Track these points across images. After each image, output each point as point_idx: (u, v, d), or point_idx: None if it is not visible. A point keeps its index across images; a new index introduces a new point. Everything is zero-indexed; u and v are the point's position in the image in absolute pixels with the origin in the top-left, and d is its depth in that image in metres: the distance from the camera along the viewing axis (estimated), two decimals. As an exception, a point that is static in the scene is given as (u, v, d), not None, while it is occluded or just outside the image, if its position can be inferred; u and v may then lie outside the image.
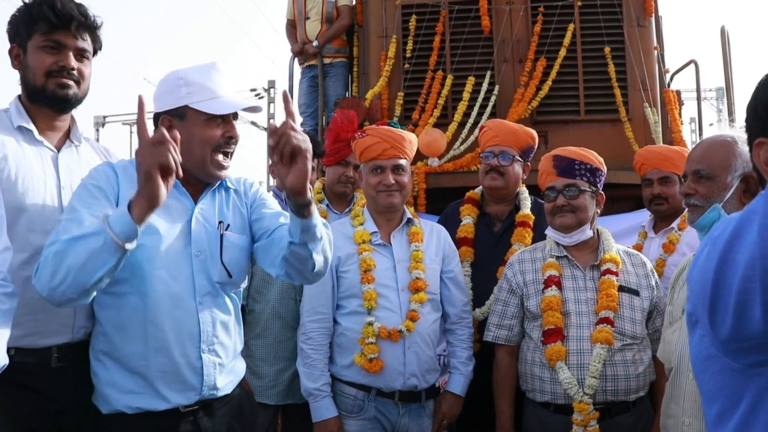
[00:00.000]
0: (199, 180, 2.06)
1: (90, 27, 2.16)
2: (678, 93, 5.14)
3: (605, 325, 2.47)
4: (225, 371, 2.04)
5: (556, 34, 4.88)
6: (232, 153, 2.07)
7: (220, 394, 2.03)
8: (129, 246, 1.69)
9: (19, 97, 2.16)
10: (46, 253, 1.72)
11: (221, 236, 2.04)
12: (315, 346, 2.59)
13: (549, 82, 4.76)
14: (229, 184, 2.14)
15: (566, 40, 4.83)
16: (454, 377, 2.75)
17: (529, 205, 3.06)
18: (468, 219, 3.07)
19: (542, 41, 4.87)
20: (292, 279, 2.04)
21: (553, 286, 2.59)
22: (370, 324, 2.54)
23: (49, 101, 2.11)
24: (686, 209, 2.08)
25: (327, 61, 5.66)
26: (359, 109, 4.70)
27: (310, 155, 1.78)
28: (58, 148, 2.16)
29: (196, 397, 1.97)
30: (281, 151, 1.74)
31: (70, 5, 2.09)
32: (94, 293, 1.78)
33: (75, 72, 2.11)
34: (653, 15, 5.06)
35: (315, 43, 5.61)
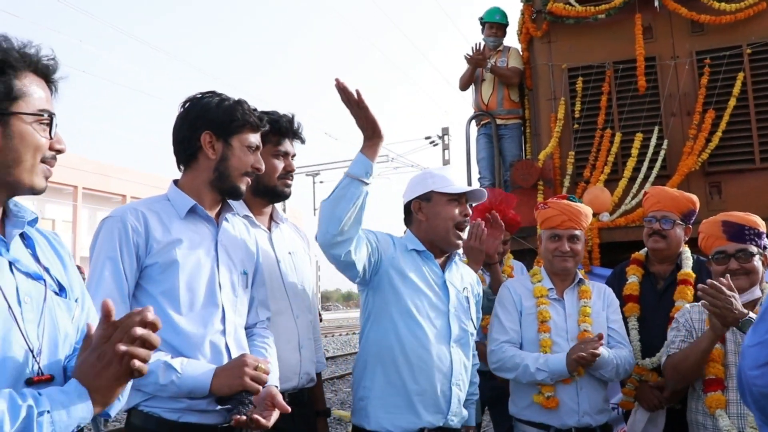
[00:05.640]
0: (443, 251, 2.73)
1: (301, 138, 2.79)
2: None
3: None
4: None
5: (724, 84, 5.02)
6: (465, 230, 2.75)
7: None
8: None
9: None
10: None
11: (467, 298, 2.76)
12: (512, 351, 3.00)
13: (719, 133, 4.91)
14: (457, 259, 2.83)
15: (736, 89, 4.96)
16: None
17: (691, 264, 3.33)
18: (633, 278, 3.42)
19: (710, 92, 5.04)
20: None
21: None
22: None
23: (274, 196, 2.71)
24: None
25: (500, 122, 6.17)
26: (533, 169, 5.17)
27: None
28: (269, 228, 2.74)
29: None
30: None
31: (293, 122, 2.71)
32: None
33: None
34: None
35: (489, 65, 6.10)
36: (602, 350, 2.87)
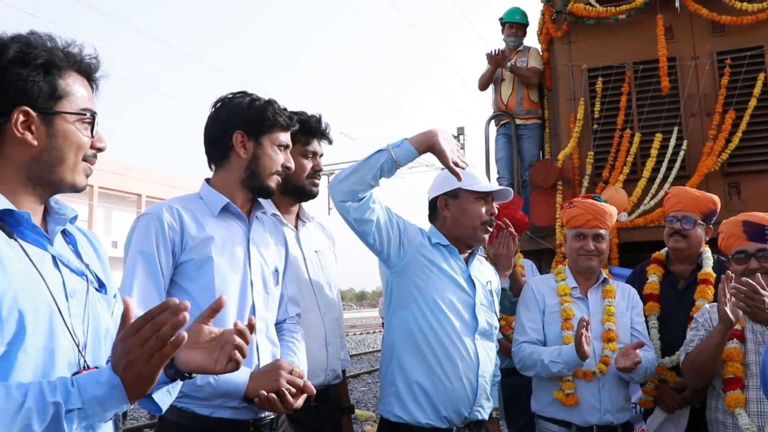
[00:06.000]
0: (468, 246, 2.81)
1: (329, 138, 2.84)
2: None
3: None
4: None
5: (745, 84, 5.02)
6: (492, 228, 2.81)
7: None
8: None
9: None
10: None
11: (490, 292, 2.84)
12: (531, 347, 3.04)
13: (739, 134, 4.91)
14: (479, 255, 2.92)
15: (756, 90, 4.95)
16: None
17: (711, 264, 3.36)
18: (654, 277, 3.45)
19: (730, 93, 5.03)
20: None
21: (735, 339, 2.90)
22: None
23: (302, 195, 2.77)
24: None
25: (519, 122, 6.20)
26: (552, 169, 5.19)
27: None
28: (295, 227, 2.79)
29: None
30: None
31: (321, 122, 2.77)
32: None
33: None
34: None
35: (509, 65, 6.13)
36: (641, 355, 2.89)
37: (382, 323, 19.89)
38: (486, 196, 2.78)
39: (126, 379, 1.27)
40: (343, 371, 2.89)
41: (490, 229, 2.80)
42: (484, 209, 2.76)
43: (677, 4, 5.15)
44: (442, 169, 2.59)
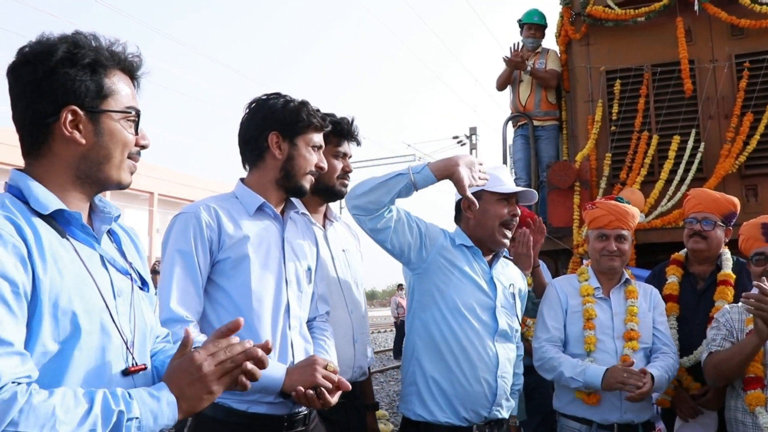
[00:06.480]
0: (491, 249, 2.83)
1: (358, 140, 2.89)
2: None
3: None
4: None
5: (763, 87, 5.04)
6: (513, 230, 2.82)
7: None
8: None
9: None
10: None
11: (512, 295, 2.86)
12: (553, 352, 3.07)
13: (757, 136, 4.93)
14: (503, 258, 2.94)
15: (775, 92, 4.97)
16: (653, 363, 3.04)
17: (731, 266, 3.39)
18: (673, 278, 3.49)
19: (748, 95, 5.06)
20: None
21: (756, 340, 2.94)
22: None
23: (332, 196, 2.82)
24: None
25: (537, 123, 6.23)
26: (570, 170, 5.23)
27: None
28: (323, 226, 2.83)
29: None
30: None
31: (352, 125, 2.82)
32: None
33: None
34: None
35: (528, 68, 6.14)
36: (654, 371, 2.91)
37: (394, 322, 19.83)
38: (509, 198, 2.81)
39: (187, 395, 1.39)
40: (368, 369, 2.93)
41: (510, 232, 2.81)
42: (506, 210, 2.79)
43: (696, 7, 5.18)
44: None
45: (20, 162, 1.48)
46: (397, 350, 17.69)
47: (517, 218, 2.84)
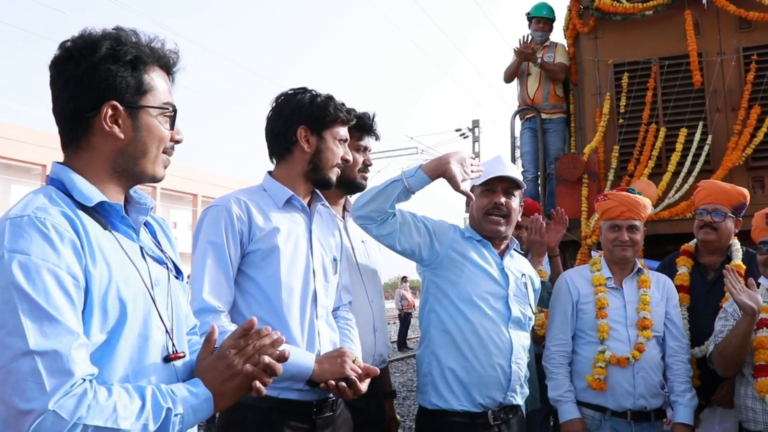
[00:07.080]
0: (500, 241, 2.87)
1: (377, 134, 2.95)
2: None
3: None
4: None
5: (770, 80, 5.08)
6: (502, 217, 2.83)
7: None
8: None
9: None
10: None
11: (525, 284, 2.88)
12: (556, 365, 3.21)
13: (764, 129, 4.98)
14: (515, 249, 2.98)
15: (782, 85, 5.01)
16: (678, 409, 3.17)
17: (741, 256, 3.45)
18: (683, 269, 3.55)
19: (756, 88, 5.10)
20: None
21: (765, 328, 3.01)
22: (602, 351, 3.13)
23: (352, 188, 2.89)
24: None
25: (545, 116, 6.28)
26: (579, 163, 5.28)
27: None
28: (342, 218, 2.90)
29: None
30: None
31: (373, 120, 2.90)
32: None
33: None
34: None
35: (538, 61, 6.18)
36: (682, 412, 3.11)
37: (398, 315, 19.75)
38: (494, 187, 2.81)
39: (220, 392, 1.46)
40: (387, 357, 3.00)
41: (496, 218, 2.79)
42: (486, 200, 2.80)
43: (704, 0, 5.22)
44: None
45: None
46: (402, 342, 17.72)
47: (502, 206, 2.80)
